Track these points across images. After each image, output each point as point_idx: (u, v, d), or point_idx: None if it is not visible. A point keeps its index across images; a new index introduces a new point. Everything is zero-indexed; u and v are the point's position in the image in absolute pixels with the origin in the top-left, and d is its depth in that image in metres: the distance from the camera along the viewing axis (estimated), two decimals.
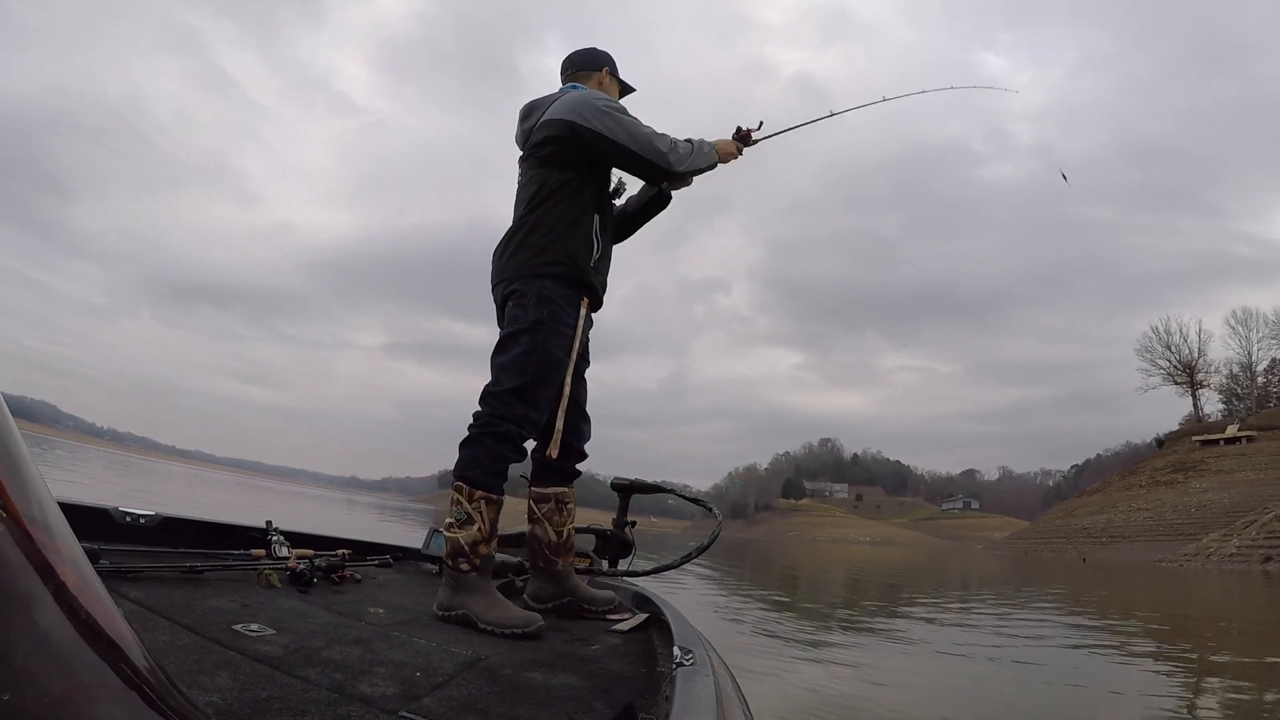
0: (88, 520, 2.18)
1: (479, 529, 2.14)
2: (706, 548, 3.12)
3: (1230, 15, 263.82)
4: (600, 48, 2.74)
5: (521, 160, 2.53)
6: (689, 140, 2.47)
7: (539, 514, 2.46)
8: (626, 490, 3.13)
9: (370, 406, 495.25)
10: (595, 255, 2.42)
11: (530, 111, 2.53)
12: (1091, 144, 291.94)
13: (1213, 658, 7.26)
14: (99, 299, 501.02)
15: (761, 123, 2.65)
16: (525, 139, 2.52)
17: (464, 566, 2.10)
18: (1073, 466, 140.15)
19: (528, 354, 2.26)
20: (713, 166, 2.56)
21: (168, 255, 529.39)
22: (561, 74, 2.72)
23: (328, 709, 1.17)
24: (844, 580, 18.76)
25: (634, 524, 3.15)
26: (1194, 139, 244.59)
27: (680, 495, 3.74)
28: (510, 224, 2.48)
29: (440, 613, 2.07)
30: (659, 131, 2.40)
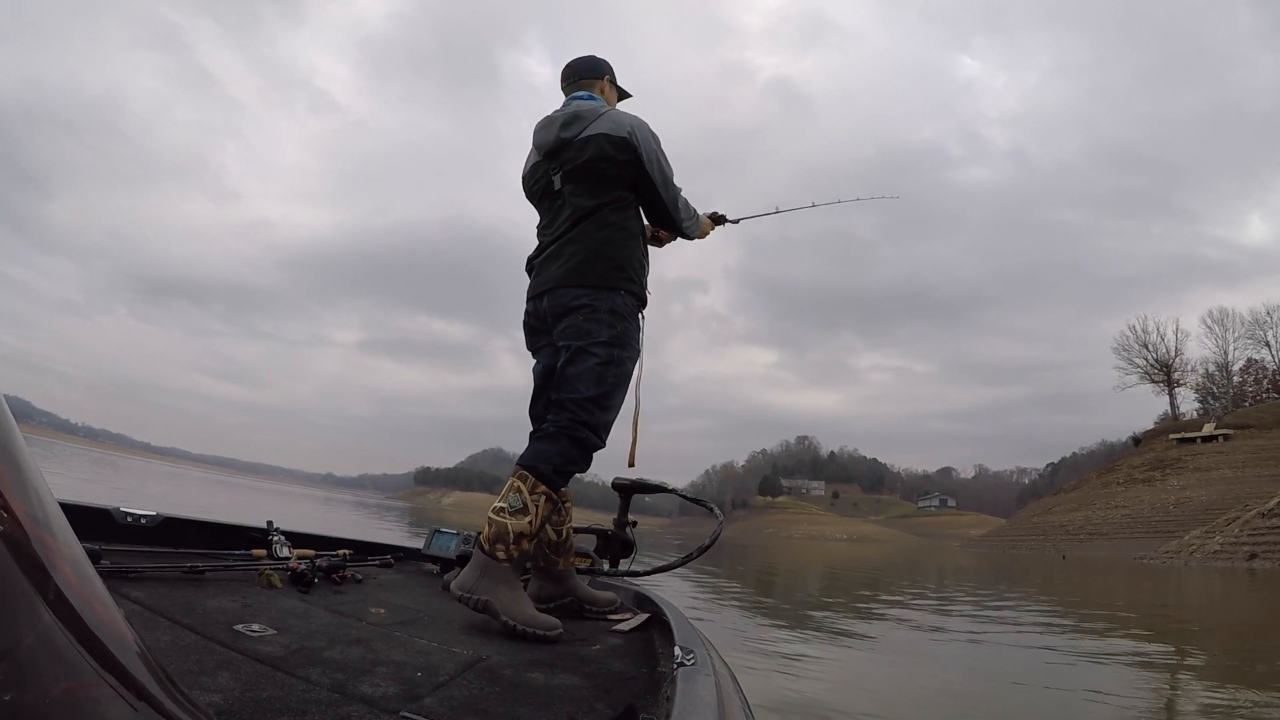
0: (89, 520, 2.17)
1: (529, 522, 2.11)
2: (708, 548, 3.09)
3: (1202, 26, 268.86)
4: (599, 56, 2.77)
5: (565, 167, 2.47)
6: (693, 210, 2.70)
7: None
8: (628, 490, 3.10)
9: (347, 403, 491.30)
10: (648, 273, 2.52)
11: (573, 120, 2.47)
12: (1065, 149, 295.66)
13: (1227, 663, 6.94)
14: (75, 295, 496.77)
15: (735, 219, 3.04)
16: (562, 147, 2.47)
17: (500, 554, 2.07)
18: (1048, 465, 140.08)
19: (605, 365, 2.28)
20: (690, 238, 2.79)
21: (145, 251, 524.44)
22: (563, 81, 2.71)
23: (329, 709, 1.17)
24: (821, 578, 18.46)
25: (635, 524, 3.14)
26: (1166, 145, 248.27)
27: (681, 495, 3.71)
28: (549, 234, 2.49)
29: (459, 593, 2.02)
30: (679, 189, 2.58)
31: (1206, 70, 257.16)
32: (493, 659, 1.67)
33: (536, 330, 2.53)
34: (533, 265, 2.55)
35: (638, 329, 2.44)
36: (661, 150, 2.49)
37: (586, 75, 2.70)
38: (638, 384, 2.49)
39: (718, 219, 2.97)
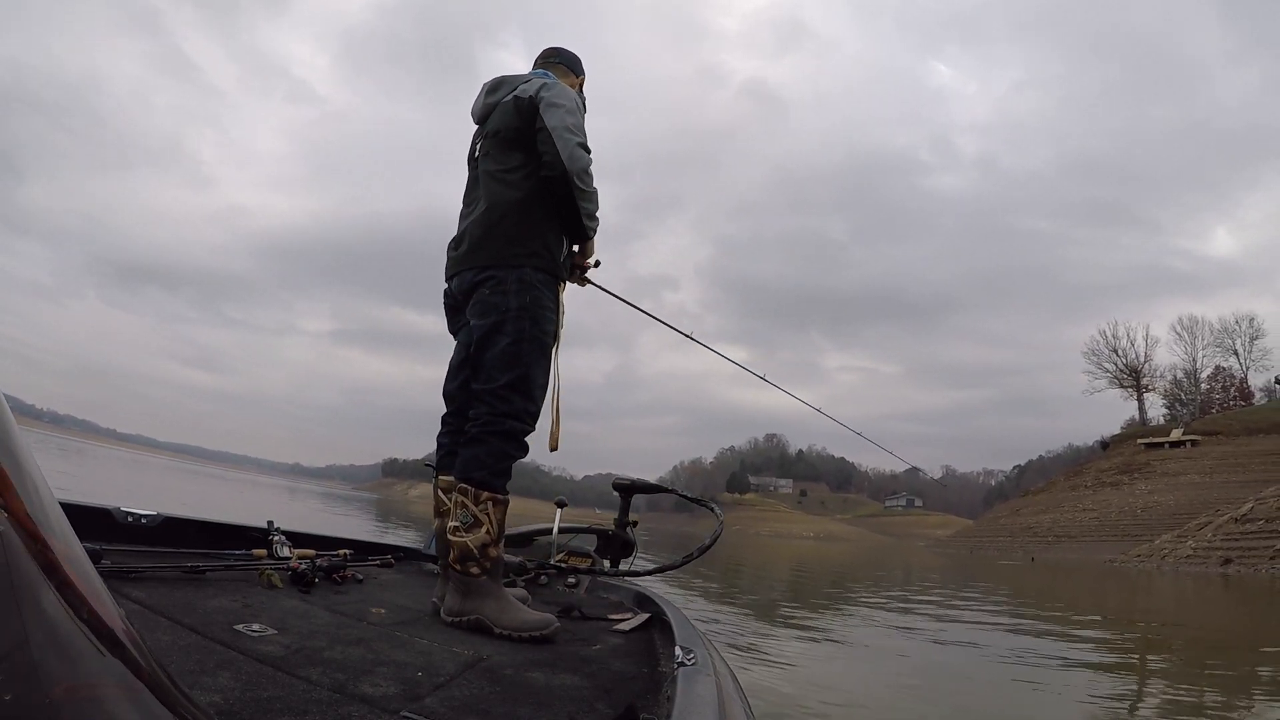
0: (89, 520, 2.15)
1: (487, 531, 2.07)
2: (709, 547, 3.04)
3: (1172, 43, 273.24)
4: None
5: (483, 136, 2.44)
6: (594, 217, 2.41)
7: (449, 505, 2.23)
8: (627, 490, 3.13)
9: (316, 393, 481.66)
10: (564, 252, 2.40)
11: (497, 87, 2.45)
12: (1035, 158, 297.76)
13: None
14: (45, 278, 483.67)
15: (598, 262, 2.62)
16: (486, 114, 2.44)
17: (474, 570, 2.03)
18: (1015, 467, 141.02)
19: (516, 344, 2.18)
20: (588, 237, 2.48)
21: (117, 236, 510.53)
22: (540, 59, 2.66)
23: (329, 709, 1.17)
24: (788, 575, 18.36)
25: (635, 524, 3.15)
26: (1134, 158, 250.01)
27: (681, 495, 3.65)
28: (466, 205, 2.44)
29: (450, 619, 2.00)
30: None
31: (1176, 86, 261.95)
32: (493, 659, 1.67)
33: (454, 309, 2.44)
34: (452, 238, 2.46)
35: (555, 300, 2.31)
36: (572, 110, 2.30)
37: (567, 64, 2.65)
38: (555, 362, 2.34)
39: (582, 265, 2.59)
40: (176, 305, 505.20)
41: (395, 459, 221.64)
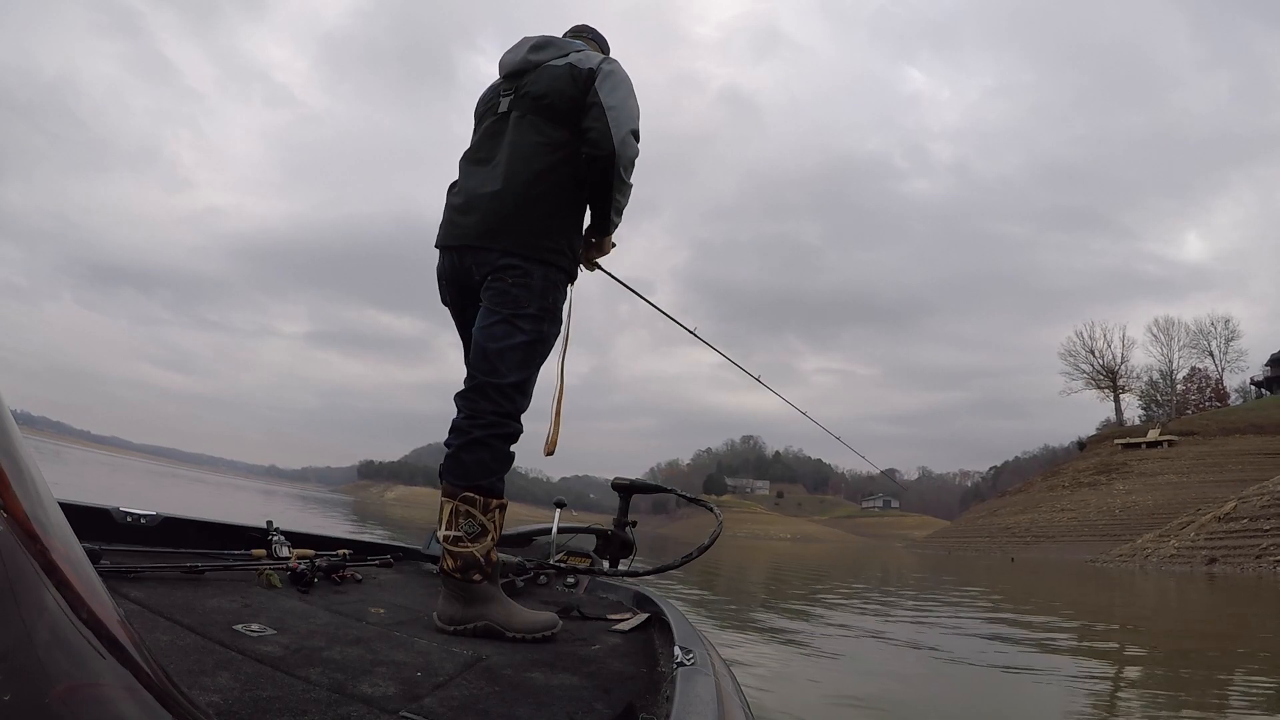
0: (88, 520, 2.15)
1: (491, 538, 2.00)
2: (708, 547, 3.02)
3: (1142, 53, 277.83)
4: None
5: (518, 91, 2.23)
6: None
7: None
8: (627, 490, 3.11)
9: (291, 395, 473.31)
10: (579, 247, 2.30)
11: (545, 45, 2.26)
12: (1006, 164, 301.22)
13: None
14: (19, 279, 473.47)
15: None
16: (523, 70, 2.24)
17: (476, 577, 1.96)
18: (991, 468, 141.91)
19: (532, 344, 2.08)
20: (607, 231, 2.38)
21: (93, 237, 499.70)
22: (572, 34, 2.53)
23: (328, 709, 1.16)
24: (764, 577, 18.29)
25: (634, 524, 3.13)
26: (1106, 165, 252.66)
27: (680, 495, 3.63)
28: (477, 161, 2.24)
29: (451, 627, 1.92)
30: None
31: (1146, 94, 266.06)
32: (492, 659, 1.66)
33: (453, 284, 2.25)
34: (457, 193, 2.24)
35: (564, 303, 2.22)
36: (633, 93, 2.18)
37: (595, 42, 2.49)
38: (561, 364, 2.29)
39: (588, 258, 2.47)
40: (152, 307, 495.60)
41: (371, 461, 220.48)
